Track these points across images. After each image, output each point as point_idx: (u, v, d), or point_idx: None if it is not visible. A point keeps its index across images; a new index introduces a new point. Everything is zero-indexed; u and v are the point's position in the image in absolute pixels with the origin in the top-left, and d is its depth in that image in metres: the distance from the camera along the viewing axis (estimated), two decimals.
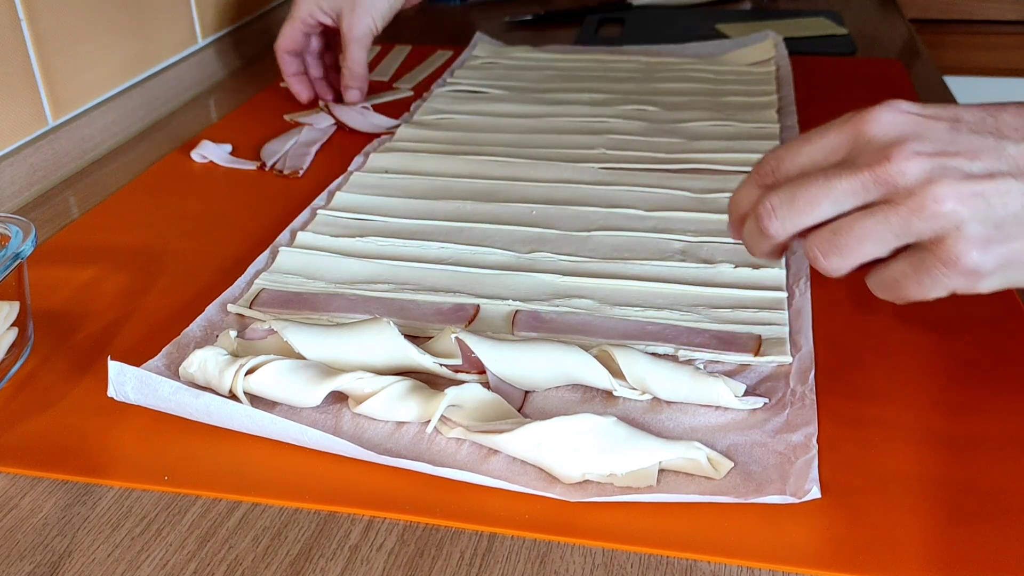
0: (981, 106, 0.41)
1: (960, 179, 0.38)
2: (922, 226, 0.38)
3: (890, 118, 0.40)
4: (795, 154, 0.42)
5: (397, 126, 0.85)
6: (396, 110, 0.90)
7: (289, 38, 0.89)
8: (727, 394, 0.48)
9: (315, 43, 0.92)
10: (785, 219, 0.41)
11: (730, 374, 0.50)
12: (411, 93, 0.96)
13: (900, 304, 0.41)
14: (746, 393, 0.49)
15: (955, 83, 1.03)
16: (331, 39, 0.93)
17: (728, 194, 0.69)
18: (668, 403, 0.49)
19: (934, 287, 0.39)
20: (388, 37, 1.17)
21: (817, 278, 0.59)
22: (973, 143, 0.39)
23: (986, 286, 0.39)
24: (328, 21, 0.88)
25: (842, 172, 0.40)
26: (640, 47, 1.06)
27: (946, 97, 0.92)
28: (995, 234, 0.38)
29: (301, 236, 0.65)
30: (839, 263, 0.40)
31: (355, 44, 0.87)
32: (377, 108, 0.90)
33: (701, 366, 0.51)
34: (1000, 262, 0.39)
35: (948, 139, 0.39)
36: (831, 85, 0.94)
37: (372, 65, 1.05)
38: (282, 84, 0.95)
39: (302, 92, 0.91)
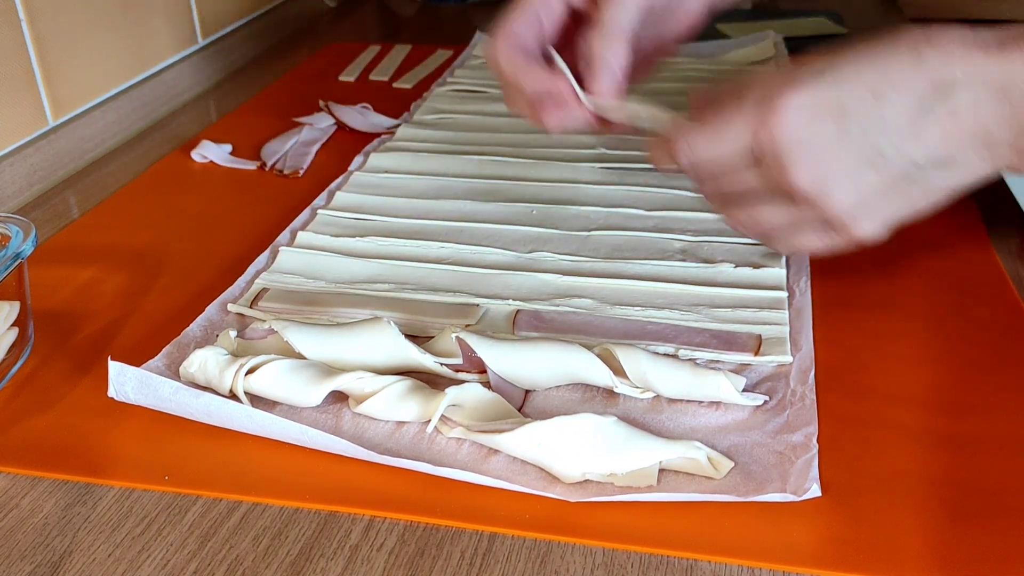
0: (869, 65, 0.44)
1: (854, 174, 0.44)
2: (828, 213, 0.45)
3: (784, 122, 0.44)
4: (707, 149, 0.47)
5: (397, 126, 0.85)
6: (396, 110, 0.90)
7: (522, 20, 0.55)
8: (728, 388, 0.48)
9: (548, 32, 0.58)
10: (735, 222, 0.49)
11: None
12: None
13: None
14: (745, 390, 0.49)
15: None
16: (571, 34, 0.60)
17: None
18: (669, 403, 0.49)
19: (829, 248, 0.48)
20: (388, 37, 1.17)
21: (817, 277, 0.59)
22: (861, 139, 0.44)
23: (881, 235, 0.47)
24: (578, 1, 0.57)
25: (764, 199, 0.47)
26: None
27: None
28: (879, 208, 0.45)
29: (301, 236, 0.65)
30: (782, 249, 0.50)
31: (616, 32, 0.53)
32: (377, 108, 0.90)
33: (701, 365, 0.51)
34: (886, 224, 0.46)
35: (837, 141, 0.44)
36: None
37: (371, 65, 1.05)
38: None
39: (552, 98, 0.56)
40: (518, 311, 0.56)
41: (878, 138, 0.44)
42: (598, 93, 0.51)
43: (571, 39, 0.56)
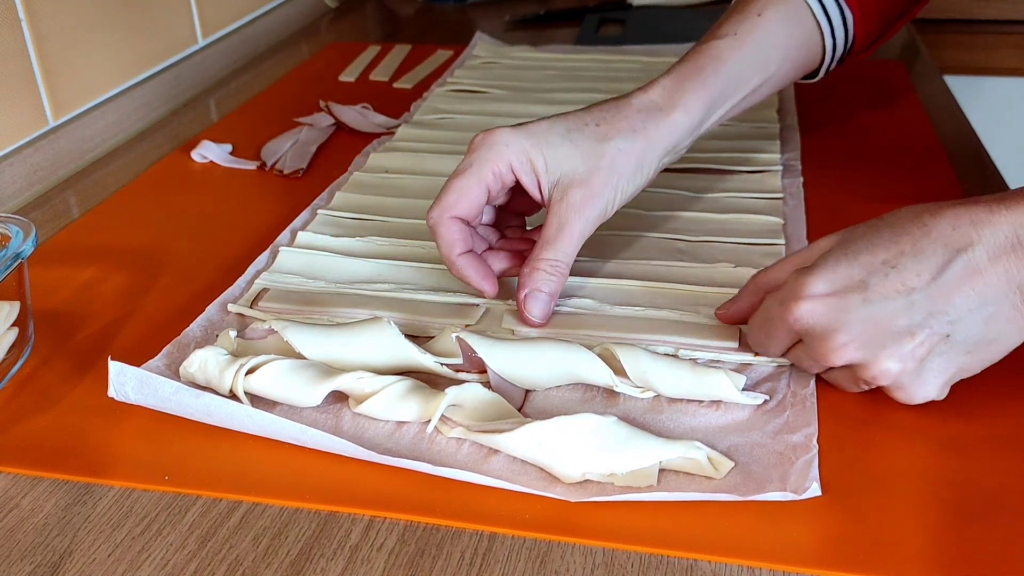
0: (881, 245, 0.46)
1: (890, 346, 0.45)
2: (876, 383, 0.47)
3: (809, 310, 0.46)
4: (771, 348, 0.50)
5: (397, 126, 0.85)
6: (396, 110, 0.90)
7: (467, 196, 0.55)
8: (728, 386, 0.48)
9: (487, 211, 0.60)
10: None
11: None
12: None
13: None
14: (745, 389, 0.49)
15: (955, 83, 1.03)
16: (510, 205, 0.61)
17: (728, 194, 0.70)
18: (669, 403, 0.49)
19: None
20: (388, 37, 1.17)
21: None
22: (886, 310, 0.45)
23: (941, 396, 0.47)
24: (534, 189, 0.56)
25: (811, 366, 0.49)
26: (640, 47, 1.06)
27: (946, 97, 0.92)
28: (928, 374, 0.46)
29: (301, 236, 0.65)
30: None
31: (575, 234, 0.55)
32: (377, 108, 0.90)
33: (702, 364, 0.51)
34: (941, 386, 0.47)
35: (865, 316, 0.45)
36: (831, 85, 0.94)
37: (371, 66, 1.05)
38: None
39: (485, 283, 0.56)
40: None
41: (904, 303, 0.45)
42: (528, 315, 0.54)
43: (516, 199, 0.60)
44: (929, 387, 0.46)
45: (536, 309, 0.54)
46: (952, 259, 0.44)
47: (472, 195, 0.55)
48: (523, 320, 0.54)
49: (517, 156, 0.55)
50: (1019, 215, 0.44)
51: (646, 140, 0.57)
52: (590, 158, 0.55)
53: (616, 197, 0.56)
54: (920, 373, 0.46)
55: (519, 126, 0.56)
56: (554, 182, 0.55)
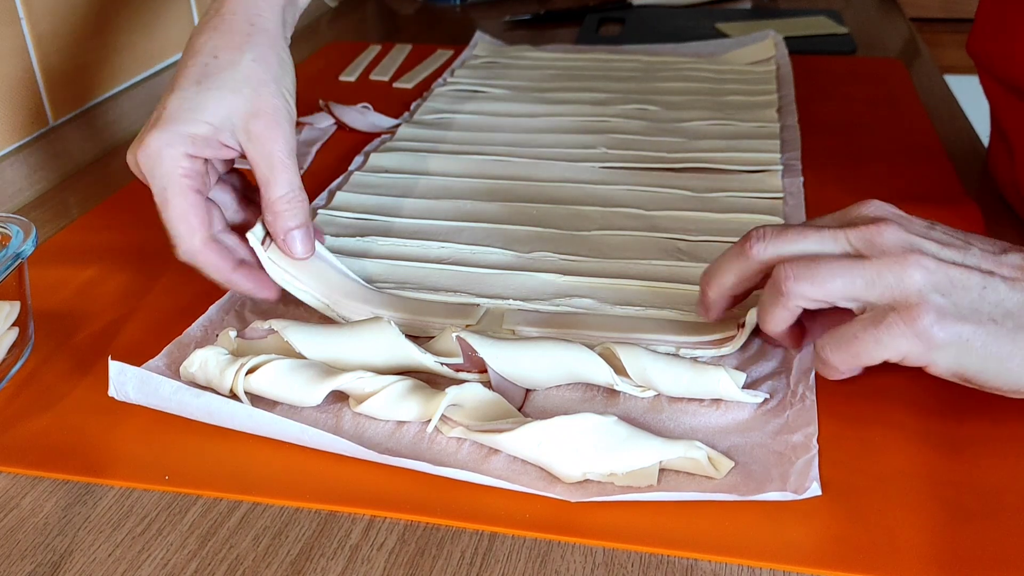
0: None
1: (931, 256, 0.43)
2: (890, 281, 0.43)
3: (876, 205, 0.47)
4: (794, 240, 0.47)
5: (397, 126, 0.85)
6: (396, 110, 0.90)
7: (190, 217, 0.53)
8: (728, 383, 0.48)
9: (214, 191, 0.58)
10: (771, 246, 0.47)
11: None
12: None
13: (846, 373, 0.45)
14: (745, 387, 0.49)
15: (955, 82, 1.03)
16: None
17: (728, 194, 0.70)
18: (669, 403, 0.49)
19: (889, 345, 0.43)
20: (388, 37, 1.17)
21: None
22: (944, 237, 0.45)
23: (938, 359, 0.43)
24: (225, 152, 0.55)
25: (834, 229, 0.46)
26: (640, 46, 1.06)
27: (946, 97, 0.92)
28: (952, 310, 0.42)
29: None
30: (807, 289, 0.45)
31: (284, 158, 0.54)
32: (377, 108, 0.90)
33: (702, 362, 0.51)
34: (952, 338, 0.42)
35: (924, 230, 0.45)
36: (831, 84, 0.94)
37: (371, 66, 1.05)
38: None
39: (266, 291, 0.56)
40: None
41: (960, 240, 0.45)
42: (294, 255, 0.55)
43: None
44: (942, 322, 0.42)
45: (298, 246, 0.55)
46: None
47: (194, 212, 0.53)
48: (290, 257, 0.55)
49: (186, 146, 0.53)
50: None
51: (264, 32, 0.56)
52: (239, 89, 0.54)
53: (286, 93, 0.55)
54: (944, 299, 0.42)
55: (160, 122, 0.53)
56: (231, 132, 0.54)
